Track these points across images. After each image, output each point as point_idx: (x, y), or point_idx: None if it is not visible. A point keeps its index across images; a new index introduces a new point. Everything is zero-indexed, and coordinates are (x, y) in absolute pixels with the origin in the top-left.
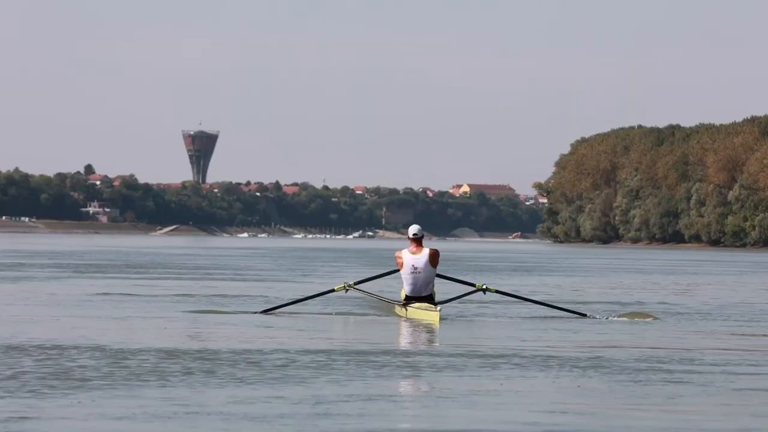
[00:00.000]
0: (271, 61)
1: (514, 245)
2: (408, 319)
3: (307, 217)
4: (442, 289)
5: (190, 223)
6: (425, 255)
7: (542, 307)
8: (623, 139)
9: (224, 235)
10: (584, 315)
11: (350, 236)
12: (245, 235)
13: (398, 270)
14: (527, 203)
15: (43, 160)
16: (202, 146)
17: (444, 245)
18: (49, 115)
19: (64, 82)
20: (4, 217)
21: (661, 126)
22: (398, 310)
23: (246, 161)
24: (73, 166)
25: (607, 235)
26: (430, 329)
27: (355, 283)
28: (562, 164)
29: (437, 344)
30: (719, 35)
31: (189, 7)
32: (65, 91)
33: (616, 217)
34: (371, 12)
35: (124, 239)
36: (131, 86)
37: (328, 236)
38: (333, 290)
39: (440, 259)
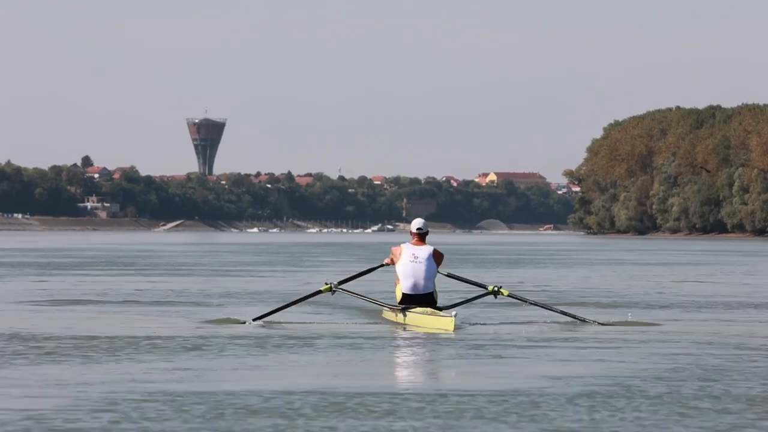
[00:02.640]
0: (282, 42)
1: (542, 238)
2: (406, 328)
3: (321, 210)
4: (443, 288)
5: (196, 218)
6: (428, 248)
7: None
8: (660, 122)
9: (233, 230)
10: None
11: (369, 230)
12: (255, 230)
13: (387, 265)
14: (559, 192)
15: (37, 152)
16: (208, 135)
17: (469, 238)
18: (43, 103)
19: (59, 68)
20: None
21: (700, 107)
22: (389, 315)
23: (255, 151)
24: (69, 158)
25: (644, 225)
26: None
27: (339, 283)
28: (594, 150)
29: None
30: (761, 8)
31: None
32: (60, 77)
33: (653, 206)
34: None
35: (123, 236)
36: (131, 71)
37: (344, 230)
38: (319, 292)
39: (458, 256)
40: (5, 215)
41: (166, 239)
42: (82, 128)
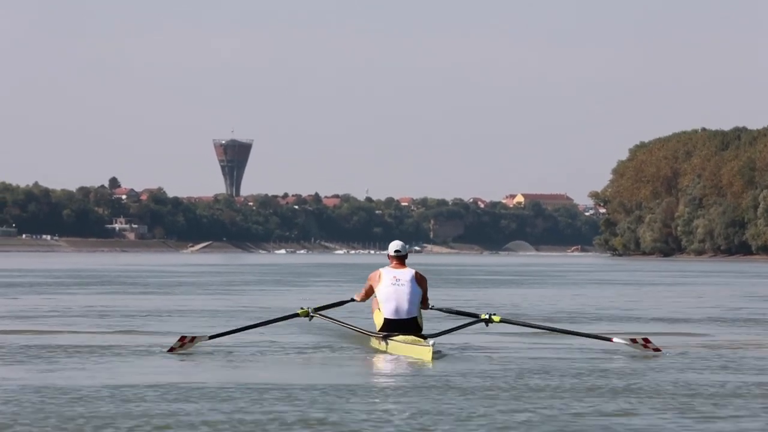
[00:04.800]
0: (308, 63)
1: (566, 259)
2: (390, 356)
3: (349, 232)
4: (436, 315)
5: (224, 239)
6: (410, 271)
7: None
8: (685, 144)
9: (260, 251)
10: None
11: None
12: (283, 251)
13: (356, 301)
14: (586, 214)
15: (65, 174)
16: (234, 156)
17: (496, 260)
18: (71, 125)
19: (86, 89)
20: (24, 236)
21: (725, 129)
22: (375, 342)
23: (283, 172)
24: (97, 179)
25: (669, 247)
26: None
27: (316, 309)
28: (620, 171)
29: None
30: None
31: (218, 3)
32: (87, 99)
33: (678, 228)
34: (414, 11)
35: (150, 257)
36: (158, 92)
37: (372, 251)
38: (296, 315)
39: (484, 277)
40: (33, 237)
41: (199, 260)
42: (109, 150)
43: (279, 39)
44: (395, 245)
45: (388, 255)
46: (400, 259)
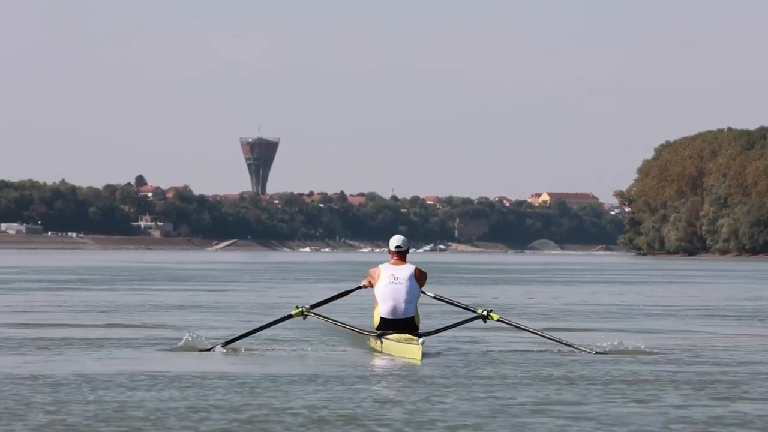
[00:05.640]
0: (334, 61)
1: (590, 258)
2: (384, 356)
3: (374, 230)
4: (433, 310)
5: (249, 237)
6: (410, 267)
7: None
8: (710, 143)
9: (285, 249)
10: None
11: (420, 250)
12: (307, 249)
13: (365, 287)
14: (612, 213)
15: (91, 172)
16: (261, 154)
17: (521, 258)
18: (98, 124)
19: (112, 88)
20: (50, 233)
21: (751, 128)
22: (373, 342)
23: (308, 170)
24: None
25: (693, 246)
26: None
27: (311, 307)
28: (645, 170)
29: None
30: None
31: (245, 3)
32: (113, 98)
33: (703, 227)
34: (438, 11)
35: (175, 255)
36: (184, 91)
37: None
38: (290, 316)
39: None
40: (59, 234)
41: (224, 258)
42: (136, 147)
43: (306, 39)
44: (396, 240)
45: (388, 250)
46: (401, 254)
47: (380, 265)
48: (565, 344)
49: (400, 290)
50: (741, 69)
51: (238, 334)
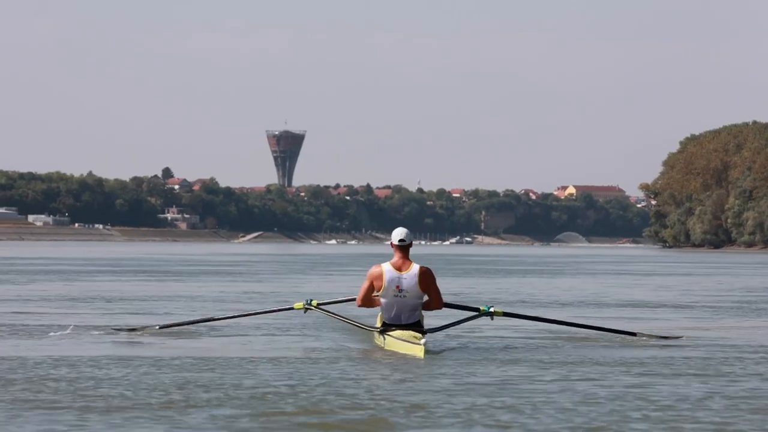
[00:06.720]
0: (361, 55)
1: (615, 251)
2: (386, 353)
3: (400, 222)
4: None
5: (275, 229)
6: (414, 272)
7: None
8: (735, 136)
9: (311, 242)
10: (632, 333)
11: (447, 242)
12: (333, 242)
13: (358, 304)
14: (638, 205)
15: (118, 164)
16: (287, 147)
17: (547, 251)
18: (124, 116)
19: (139, 80)
20: (77, 225)
21: None
22: (377, 338)
23: (334, 163)
24: (149, 169)
25: (719, 239)
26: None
27: (319, 304)
28: (670, 163)
29: None
30: None
31: None
32: (141, 90)
33: (728, 220)
34: (465, 6)
35: (202, 247)
36: (211, 83)
37: (423, 242)
38: (291, 308)
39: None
40: (86, 226)
41: (250, 250)
42: (162, 140)
43: (332, 32)
44: (399, 233)
45: (391, 243)
46: (404, 249)
47: (383, 266)
48: (593, 328)
49: (405, 304)
50: (766, 62)
51: (231, 314)
